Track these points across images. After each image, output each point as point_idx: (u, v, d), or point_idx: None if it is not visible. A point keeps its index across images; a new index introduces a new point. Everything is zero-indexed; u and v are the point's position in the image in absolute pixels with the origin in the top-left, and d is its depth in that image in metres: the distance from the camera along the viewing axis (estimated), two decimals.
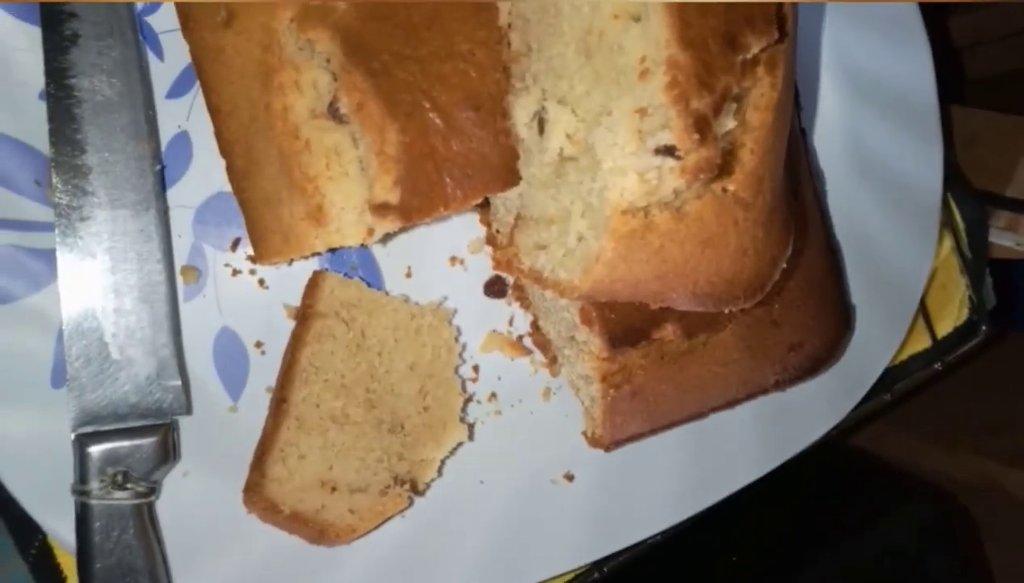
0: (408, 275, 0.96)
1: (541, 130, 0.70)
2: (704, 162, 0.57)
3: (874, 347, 1.09)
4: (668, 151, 0.57)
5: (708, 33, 0.57)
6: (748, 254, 0.73)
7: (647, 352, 0.88)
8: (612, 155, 0.61)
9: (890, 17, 1.07)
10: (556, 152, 0.68)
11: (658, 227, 0.65)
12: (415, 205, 0.73)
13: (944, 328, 1.25)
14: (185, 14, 0.79)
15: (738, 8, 0.60)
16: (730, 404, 0.99)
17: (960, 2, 1.42)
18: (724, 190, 0.68)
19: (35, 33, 0.80)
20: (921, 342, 1.23)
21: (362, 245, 0.80)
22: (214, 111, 0.79)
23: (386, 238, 0.87)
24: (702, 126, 0.56)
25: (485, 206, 0.95)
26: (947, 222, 1.21)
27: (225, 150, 0.80)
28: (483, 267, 0.99)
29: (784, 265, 0.77)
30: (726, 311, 0.77)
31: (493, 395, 0.99)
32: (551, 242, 0.72)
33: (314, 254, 0.84)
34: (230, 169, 0.80)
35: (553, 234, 0.72)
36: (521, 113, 0.72)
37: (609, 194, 0.62)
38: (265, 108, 0.75)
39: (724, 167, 0.62)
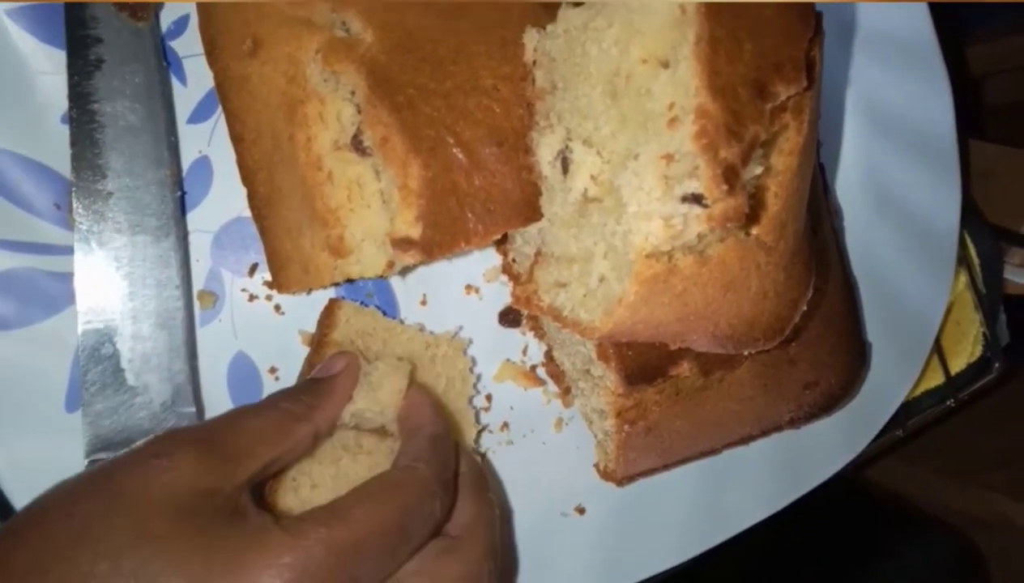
0: (423, 303, 0.95)
1: (565, 169, 0.70)
2: (732, 211, 0.56)
3: (889, 384, 1.09)
4: (695, 199, 0.57)
5: (738, 81, 0.57)
6: (769, 297, 0.72)
7: (662, 388, 0.88)
8: (638, 199, 0.61)
9: (910, 51, 1.07)
10: (580, 193, 0.68)
11: (681, 271, 0.64)
12: (436, 240, 0.73)
13: (957, 364, 1.25)
14: (211, 42, 0.79)
15: (767, 55, 0.59)
16: (744, 440, 0.98)
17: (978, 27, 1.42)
18: (747, 234, 0.68)
19: (58, 56, 0.80)
20: (934, 378, 1.23)
21: (378, 276, 0.79)
22: (237, 139, 0.79)
23: (403, 270, 0.86)
24: (730, 176, 0.55)
25: (503, 237, 0.95)
26: (962, 258, 1.20)
27: (247, 178, 0.80)
28: (498, 296, 0.98)
29: (805, 307, 0.76)
30: (745, 353, 0.76)
31: (505, 424, 0.98)
32: (572, 281, 0.72)
33: (333, 284, 0.84)
34: (251, 197, 0.80)
35: (574, 273, 0.71)
36: (545, 151, 0.72)
37: (633, 238, 0.62)
38: (289, 138, 0.75)
39: (749, 213, 0.62)
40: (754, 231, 0.67)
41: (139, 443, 0.69)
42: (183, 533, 0.61)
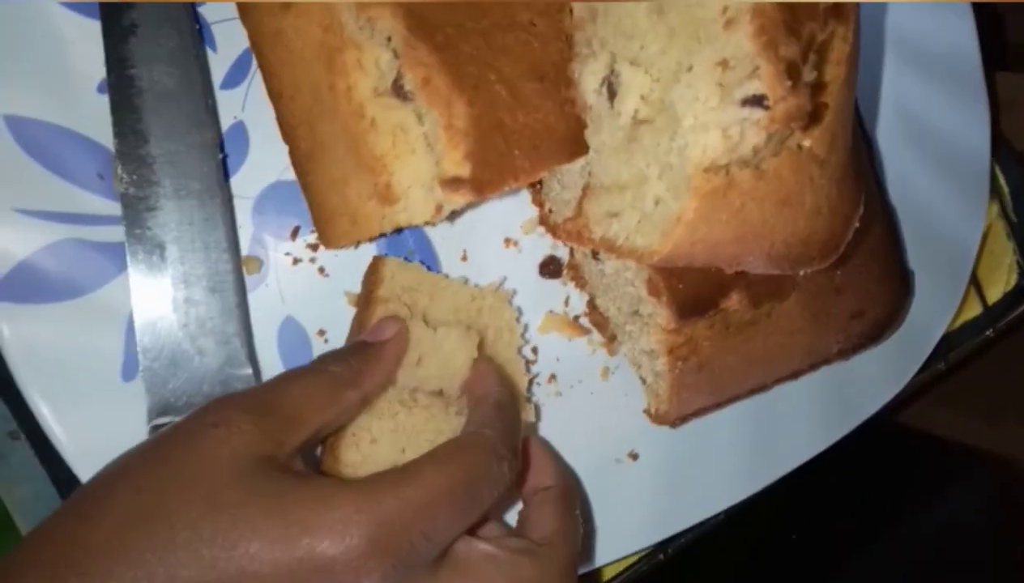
0: (464, 258, 0.95)
1: (612, 95, 0.69)
2: (795, 109, 0.56)
3: (930, 313, 1.09)
4: (756, 101, 0.57)
5: None
6: (823, 213, 0.72)
7: (712, 323, 0.88)
8: (694, 111, 0.60)
9: None
10: (630, 115, 0.68)
11: (739, 185, 0.64)
12: (486, 178, 0.73)
13: (994, 294, 1.25)
14: None
15: None
16: (794, 374, 0.98)
17: None
18: (800, 147, 0.68)
19: (90, 25, 0.80)
20: (972, 309, 1.23)
21: (426, 223, 0.79)
22: (275, 96, 0.79)
23: (448, 216, 0.86)
24: (793, 72, 0.55)
25: (537, 185, 0.95)
26: (992, 187, 1.20)
27: (288, 135, 0.80)
28: (537, 248, 0.98)
29: (857, 224, 0.76)
30: (800, 273, 0.76)
31: (553, 376, 0.98)
32: (624, 209, 0.72)
33: (380, 235, 0.83)
34: (293, 154, 0.80)
35: (627, 200, 0.71)
36: (590, 79, 0.72)
37: (691, 152, 0.61)
38: (329, 89, 0.75)
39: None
40: (807, 143, 0.67)
41: (192, 412, 0.69)
42: (254, 499, 0.62)
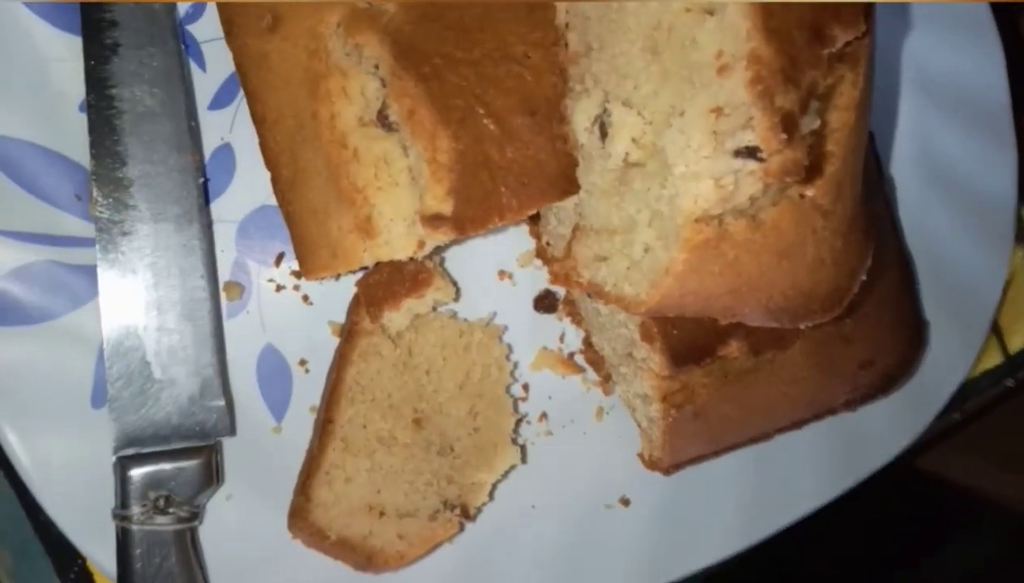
0: (457, 287, 0.92)
1: (603, 135, 0.66)
2: (791, 164, 0.52)
3: (946, 363, 1.03)
4: (750, 153, 0.53)
5: (793, 23, 0.53)
6: (826, 265, 0.68)
7: (710, 370, 0.83)
8: (685, 159, 0.57)
9: (960, 15, 1.02)
10: (621, 157, 0.64)
11: (733, 236, 0.60)
12: (469, 215, 0.69)
13: (1016, 343, 1.19)
14: (229, 19, 0.76)
15: None
16: (797, 425, 0.93)
17: None
18: (802, 196, 0.63)
19: (74, 43, 0.78)
20: (992, 358, 1.17)
21: (411, 258, 0.76)
22: (259, 120, 0.76)
23: (434, 251, 0.83)
24: (789, 125, 0.51)
25: (536, 217, 0.91)
26: (1018, 233, 1.15)
27: (270, 161, 0.77)
28: (533, 281, 0.95)
29: (864, 277, 0.71)
30: (801, 327, 0.72)
31: (544, 415, 0.94)
32: (614, 253, 0.68)
33: (362, 268, 0.80)
34: (275, 180, 0.77)
35: (616, 245, 0.67)
36: (581, 117, 0.68)
37: (681, 201, 0.58)
38: (312, 116, 0.72)
39: (807, 170, 0.57)
40: (809, 193, 0.63)
41: None
42: None
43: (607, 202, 0.68)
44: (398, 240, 0.73)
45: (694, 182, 0.57)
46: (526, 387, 0.94)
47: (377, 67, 0.72)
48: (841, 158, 0.63)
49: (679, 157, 0.57)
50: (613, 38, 0.65)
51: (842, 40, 0.56)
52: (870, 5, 0.59)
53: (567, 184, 0.72)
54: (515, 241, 0.94)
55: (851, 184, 0.67)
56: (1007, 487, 1.47)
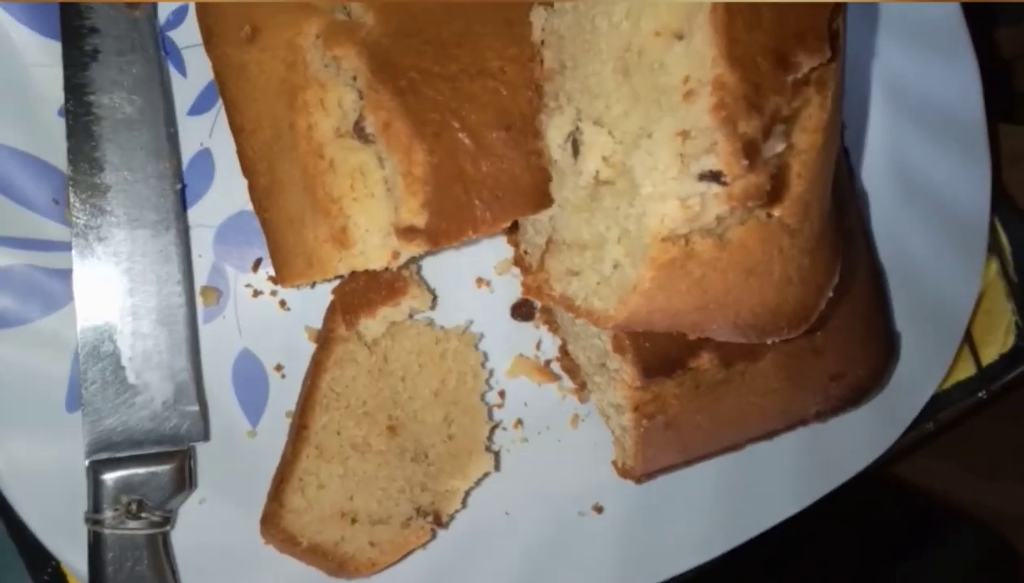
0: (434, 295, 0.93)
1: (576, 152, 0.66)
2: (753, 189, 0.53)
3: (918, 375, 1.05)
4: (713, 177, 0.54)
5: (757, 50, 0.54)
6: (793, 283, 0.69)
7: (682, 381, 0.84)
8: (652, 180, 0.57)
9: (936, 31, 1.02)
10: (592, 175, 0.65)
11: (699, 255, 0.61)
12: (443, 228, 0.70)
13: (989, 355, 1.20)
14: (208, 29, 0.77)
15: (788, 23, 0.56)
16: (768, 435, 0.95)
17: (1008, 6, 1.36)
18: (769, 216, 0.64)
19: (55, 48, 0.78)
20: (965, 369, 1.18)
21: (387, 268, 0.77)
22: (237, 129, 0.77)
23: (411, 260, 0.84)
24: (751, 151, 0.52)
25: (514, 226, 0.92)
26: (992, 245, 1.16)
27: (248, 169, 0.77)
28: (510, 289, 0.95)
29: (831, 294, 0.72)
30: (768, 342, 0.73)
31: (519, 422, 0.95)
32: (584, 268, 0.69)
33: (337, 277, 0.81)
34: (252, 189, 0.78)
35: (587, 260, 0.68)
36: (555, 134, 0.69)
37: (648, 221, 0.58)
38: (289, 127, 0.72)
39: (771, 192, 0.58)
40: (776, 213, 0.64)
41: None
42: None
43: (579, 217, 0.69)
44: (373, 251, 0.73)
45: (661, 202, 0.57)
46: (502, 394, 0.95)
47: (355, 78, 0.72)
48: (808, 179, 0.64)
49: (646, 177, 0.58)
50: (586, 58, 0.66)
51: (807, 66, 0.57)
52: (835, 32, 0.60)
53: (541, 198, 0.73)
54: (493, 249, 0.95)
55: (819, 203, 0.68)
56: (983, 495, 1.49)
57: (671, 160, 0.56)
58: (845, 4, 0.64)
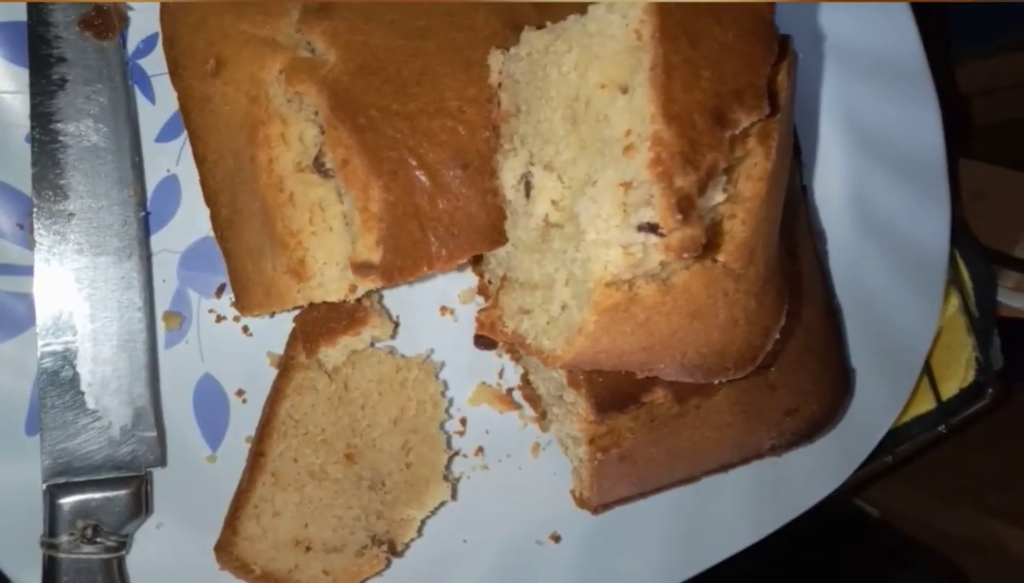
0: (396, 324, 0.94)
1: (528, 193, 0.68)
2: (688, 241, 0.55)
3: (875, 410, 1.06)
4: (651, 228, 0.55)
5: (694, 108, 0.55)
6: (739, 325, 0.70)
7: (637, 415, 0.86)
8: (596, 227, 0.59)
9: (897, 70, 1.04)
10: (541, 218, 0.66)
11: (643, 300, 0.63)
12: (397, 265, 0.71)
13: (949, 389, 1.22)
14: (175, 61, 0.78)
15: (727, 81, 0.58)
16: (723, 468, 0.96)
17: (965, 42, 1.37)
18: (714, 261, 0.66)
19: (23, 75, 0.80)
20: (925, 403, 1.20)
21: (342, 300, 0.78)
22: (200, 160, 0.78)
23: (372, 290, 0.85)
24: (685, 205, 0.54)
25: (478, 256, 0.94)
26: (953, 280, 1.18)
27: (210, 199, 0.79)
28: (473, 317, 0.96)
29: (778, 335, 0.74)
30: (715, 382, 0.74)
31: (480, 449, 0.96)
32: (535, 307, 0.70)
33: (297, 307, 0.82)
34: (214, 218, 0.79)
35: (537, 299, 0.70)
36: (508, 175, 0.70)
37: (592, 266, 0.60)
38: (250, 160, 0.74)
39: (713, 239, 0.60)
40: (721, 258, 0.65)
41: None
42: None
43: (530, 258, 0.70)
44: (331, 283, 0.75)
45: (604, 249, 0.59)
46: (464, 421, 0.96)
47: (316, 114, 0.74)
48: (752, 226, 0.66)
49: (591, 224, 0.59)
50: (539, 104, 0.67)
51: (746, 122, 0.59)
52: (777, 89, 0.62)
53: (496, 235, 0.74)
54: (457, 278, 0.96)
55: (764, 249, 0.70)
56: (946, 521, 1.50)
57: (614, 209, 0.58)
58: (791, 58, 0.66)
